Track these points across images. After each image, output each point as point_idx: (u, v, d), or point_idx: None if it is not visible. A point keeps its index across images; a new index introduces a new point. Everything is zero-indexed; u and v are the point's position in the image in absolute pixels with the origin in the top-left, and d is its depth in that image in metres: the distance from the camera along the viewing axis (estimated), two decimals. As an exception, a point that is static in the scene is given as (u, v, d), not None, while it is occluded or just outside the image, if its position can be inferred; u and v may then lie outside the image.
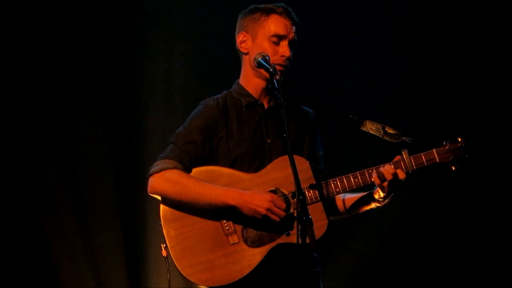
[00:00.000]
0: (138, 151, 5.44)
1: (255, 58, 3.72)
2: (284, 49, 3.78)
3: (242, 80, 3.92)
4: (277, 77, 3.57)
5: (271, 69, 3.60)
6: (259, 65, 3.71)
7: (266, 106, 3.89)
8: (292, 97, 3.87)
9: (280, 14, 3.81)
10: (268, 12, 3.83)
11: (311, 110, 4.02)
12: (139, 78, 5.55)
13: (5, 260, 5.17)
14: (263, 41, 3.80)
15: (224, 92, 3.95)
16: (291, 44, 3.81)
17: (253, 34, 3.84)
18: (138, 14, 5.55)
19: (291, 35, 3.81)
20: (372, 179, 3.71)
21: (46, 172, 5.31)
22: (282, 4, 3.86)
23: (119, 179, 5.35)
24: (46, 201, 5.31)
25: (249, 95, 3.87)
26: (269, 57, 3.71)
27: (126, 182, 5.41)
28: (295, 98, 3.95)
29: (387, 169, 3.68)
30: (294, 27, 3.83)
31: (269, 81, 3.76)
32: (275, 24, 3.80)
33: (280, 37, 3.79)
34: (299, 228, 3.28)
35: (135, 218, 5.40)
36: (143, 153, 5.36)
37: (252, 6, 3.90)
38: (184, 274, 3.66)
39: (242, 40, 3.88)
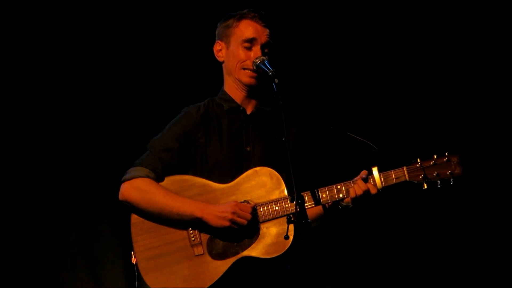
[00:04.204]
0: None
1: (253, 62, 3.67)
2: (256, 53, 3.71)
3: (225, 87, 3.89)
4: (277, 81, 3.46)
5: (270, 73, 3.52)
6: (258, 69, 3.65)
7: (249, 112, 3.83)
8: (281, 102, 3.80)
9: (251, 18, 3.75)
10: (240, 18, 3.78)
11: (299, 116, 3.93)
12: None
13: (5, 262, 5.20)
14: (235, 47, 3.76)
15: (208, 99, 3.92)
16: (264, 48, 3.74)
17: (227, 41, 3.81)
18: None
19: (264, 39, 3.74)
20: (340, 196, 3.62)
21: (47, 175, 5.32)
22: (256, 9, 3.79)
23: (117, 183, 5.35)
24: (46, 205, 5.31)
25: (232, 101, 3.83)
26: (268, 61, 3.64)
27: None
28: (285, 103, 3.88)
29: (356, 188, 3.59)
30: (267, 30, 3.75)
31: (252, 87, 3.77)
32: (245, 29, 3.75)
33: (251, 42, 3.73)
34: (298, 232, 3.26)
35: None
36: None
37: (227, 14, 3.86)
38: (148, 284, 3.68)
39: (218, 49, 3.85)
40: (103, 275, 5.36)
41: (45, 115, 5.32)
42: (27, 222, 5.24)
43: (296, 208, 3.26)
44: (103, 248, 5.39)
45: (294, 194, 3.28)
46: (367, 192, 3.58)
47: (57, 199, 5.31)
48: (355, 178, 3.64)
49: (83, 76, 5.35)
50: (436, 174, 3.56)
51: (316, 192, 3.63)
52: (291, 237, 3.47)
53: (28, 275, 5.22)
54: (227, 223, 3.59)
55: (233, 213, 3.57)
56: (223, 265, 3.60)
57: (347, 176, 3.69)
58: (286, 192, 3.65)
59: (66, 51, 5.31)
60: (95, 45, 5.34)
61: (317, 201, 3.62)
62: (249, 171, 3.70)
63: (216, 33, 3.88)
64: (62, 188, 5.32)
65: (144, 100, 5.44)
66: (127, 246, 5.31)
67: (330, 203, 3.70)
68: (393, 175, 3.59)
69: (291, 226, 3.41)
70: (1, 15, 5.17)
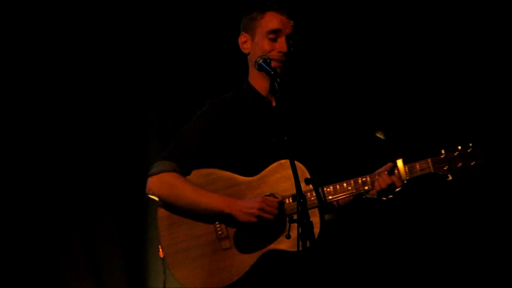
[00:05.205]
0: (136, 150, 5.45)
1: (256, 61, 3.65)
2: (281, 44, 3.75)
3: (250, 79, 3.91)
4: (278, 80, 3.49)
5: (272, 72, 3.53)
6: (260, 68, 3.64)
7: (274, 104, 3.85)
8: (303, 93, 3.83)
9: (275, 10, 3.79)
10: (264, 10, 3.82)
11: (322, 106, 3.96)
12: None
13: (8, 263, 5.23)
14: (261, 39, 3.79)
15: (233, 91, 3.94)
16: (289, 39, 3.77)
17: (252, 34, 3.84)
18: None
19: (288, 30, 3.78)
20: (366, 188, 3.65)
21: (50, 176, 5.34)
22: (279, 1, 3.82)
23: (118, 183, 5.37)
24: (48, 206, 5.33)
25: (257, 93, 3.86)
26: (270, 60, 3.63)
27: (125, 186, 5.39)
28: (307, 94, 3.91)
29: (380, 181, 3.61)
30: (292, 22, 3.79)
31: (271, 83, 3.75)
32: (270, 21, 3.79)
33: (276, 33, 3.77)
34: (300, 231, 3.24)
35: (134, 221, 5.41)
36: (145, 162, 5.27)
37: (251, 6, 3.89)
38: (176, 278, 3.72)
39: (243, 41, 3.88)
40: (104, 275, 5.39)
41: (48, 118, 5.34)
42: (29, 223, 5.26)
43: (298, 208, 3.24)
44: (104, 248, 5.41)
45: (296, 193, 3.26)
46: (392, 185, 3.61)
47: (59, 200, 5.33)
48: (379, 170, 3.66)
49: (86, 81, 5.39)
50: (461, 165, 3.57)
51: (342, 184, 3.66)
52: (292, 235, 3.45)
53: (30, 275, 5.24)
54: (253, 219, 3.61)
55: (260, 209, 3.60)
56: (250, 259, 3.63)
57: (369, 168, 3.71)
58: (311, 185, 3.66)
59: (73, 52, 5.36)
60: (108, 42, 5.39)
61: (343, 193, 3.65)
62: (274, 164, 3.72)
63: (241, 25, 3.91)
64: (64, 189, 5.34)
65: (155, 102, 5.50)
66: (128, 247, 5.41)
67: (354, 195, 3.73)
68: (418, 167, 3.61)
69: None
70: (2, 15, 5.19)
